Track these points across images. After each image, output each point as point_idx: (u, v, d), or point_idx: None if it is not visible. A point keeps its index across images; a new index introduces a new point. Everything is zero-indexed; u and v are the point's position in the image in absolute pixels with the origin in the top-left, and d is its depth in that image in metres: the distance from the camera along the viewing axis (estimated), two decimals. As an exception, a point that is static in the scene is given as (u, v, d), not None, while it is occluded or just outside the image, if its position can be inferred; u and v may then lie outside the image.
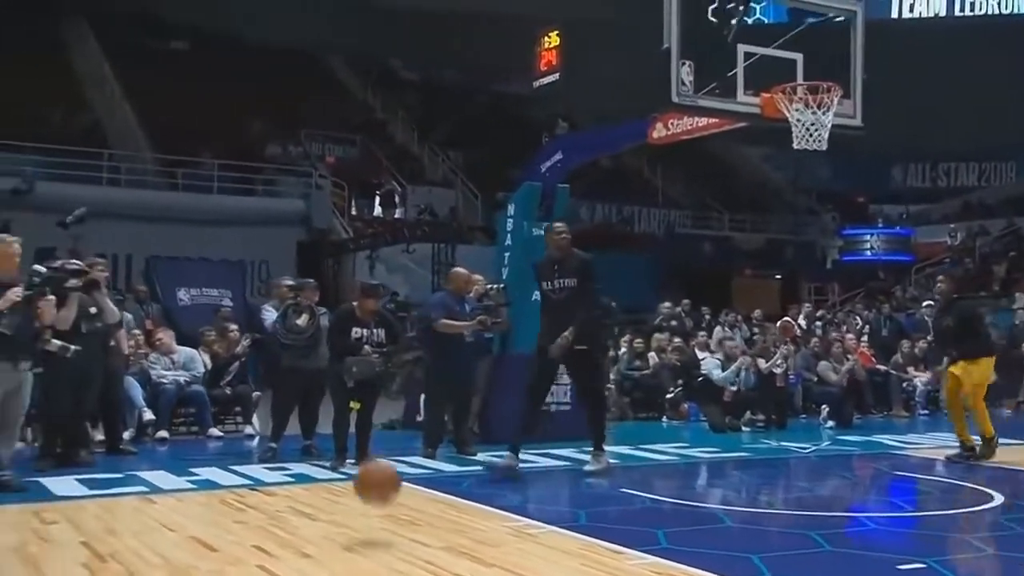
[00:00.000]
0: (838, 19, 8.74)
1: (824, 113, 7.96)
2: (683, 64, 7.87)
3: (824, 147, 8.06)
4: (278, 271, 19.10)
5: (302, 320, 8.92)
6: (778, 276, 27.54)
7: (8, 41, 22.95)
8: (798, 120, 7.98)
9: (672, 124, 9.19)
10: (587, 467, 7.83)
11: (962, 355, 8.61)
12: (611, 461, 8.07)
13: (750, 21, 9.05)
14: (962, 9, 25.57)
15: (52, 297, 7.14)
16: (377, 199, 25.51)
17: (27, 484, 6.94)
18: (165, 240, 18.64)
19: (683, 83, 7.87)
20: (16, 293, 6.62)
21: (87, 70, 25.42)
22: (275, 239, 20.79)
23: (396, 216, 25.18)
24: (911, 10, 25.46)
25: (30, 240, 15.65)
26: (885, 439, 10.92)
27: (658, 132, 9.41)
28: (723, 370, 11.73)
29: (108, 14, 26.83)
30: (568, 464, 8.58)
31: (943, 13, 25.49)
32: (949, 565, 4.93)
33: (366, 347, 8.18)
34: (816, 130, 7.94)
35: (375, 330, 8.27)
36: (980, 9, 25.25)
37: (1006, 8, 25.32)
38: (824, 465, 9.41)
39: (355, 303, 8.48)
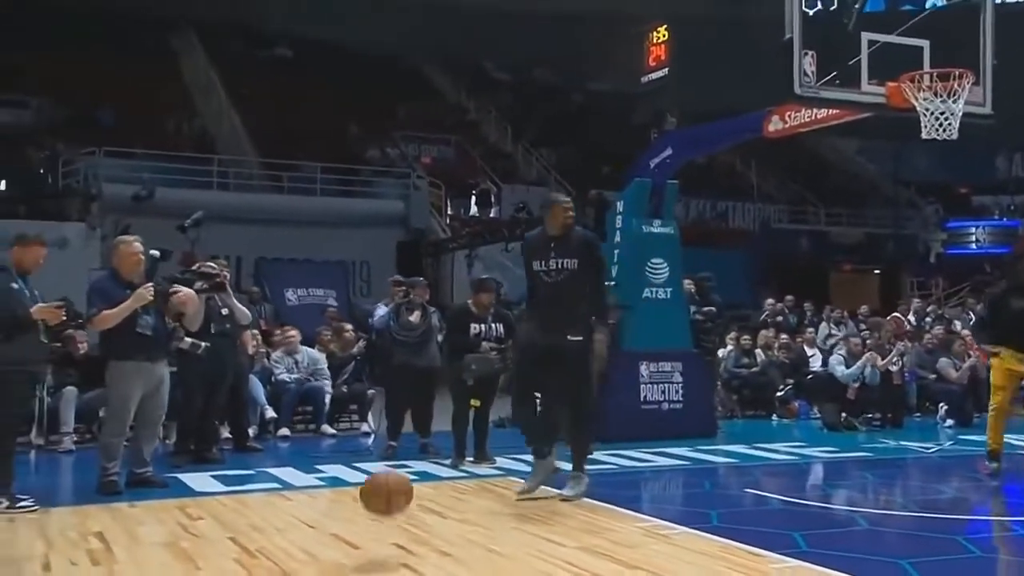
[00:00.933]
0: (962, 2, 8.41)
1: (954, 101, 7.63)
2: (805, 55, 7.63)
3: (955, 136, 7.72)
4: (379, 271, 19.32)
5: (414, 317, 8.94)
6: (877, 271, 26.78)
7: (125, 56, 23.66)
8: (927, 109, 7.67)
9: (790, 117, 8.92)
10: (565, 491, 6.41)
11: None
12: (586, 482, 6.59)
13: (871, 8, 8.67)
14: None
15: (189, 290, 7.27)
16: (473, 198, 25.53)
17: (167, 480, 7.08)
18: (271, 242, 18.93)
19: (805, 74, 7.63)
20: (148, 291, 6.72)
21: (196, 80, 26.01)
22: (375, 239, 20.93)
23: (492, 215, 25.17)
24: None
25: (149, 243, 16.14)
26: (1012, 439, 10.45)
27: (774, 125, 9.14)
28: (847, 367, 11.35)
29: (215, 25, 27.56)
30: (685, 463, 8.44)
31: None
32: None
33: (484, 343, 8.15)
34: (946, 119, 7.62)
35: (492, 325, 8.24)
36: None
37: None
38: (950, 465, 9.00)
39: (469, 300, 8.45)
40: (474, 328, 8.18)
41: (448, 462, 8.10)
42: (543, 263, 6.40)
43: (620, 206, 10.68)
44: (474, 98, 30.37)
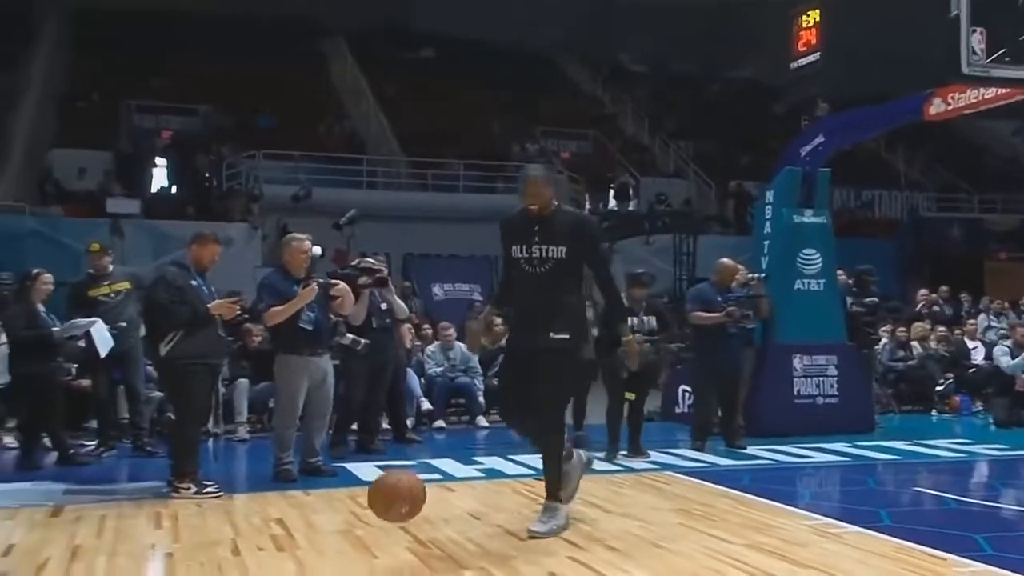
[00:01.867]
0: None
1: None
2: (973, 31, 7.22)
3: None
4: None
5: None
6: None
7: (280, 64, 24.47)
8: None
9: (953, 99, 8.51)
10: (534, 527, 5.10)
11: None
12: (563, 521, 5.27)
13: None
14: None
15: (344, 286, 7.43)
16: (611, 192, 25.33)
17: (335, 469, 7.26)
18: (418, 238, 19.21)
19: (974, 52, 7.22)
20: (314, 288, 6.88)
21: (344, 84, 26.65)
22: (516, 234, 20.99)
23: (630, 208, 24.94)
24: None
25: (306, 242, 16.61)
26: None
27: (936, 108, 8.73)
28: (1012, 358, 10.77)
29: (362, 31, 28.21)
30: (845, 460, 8.18)
31: None
32: None
33: (637, 336, 8.06)
34: None
35: (645, 318, 8.15)
36: None
37: None
38: None
39: (623, 293, 8.37)
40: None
41: (602, 455, 8.03)
42: (523, 249, 5.23)
43: (770, 196, 10.40)
44: (611, 91, 30.14)
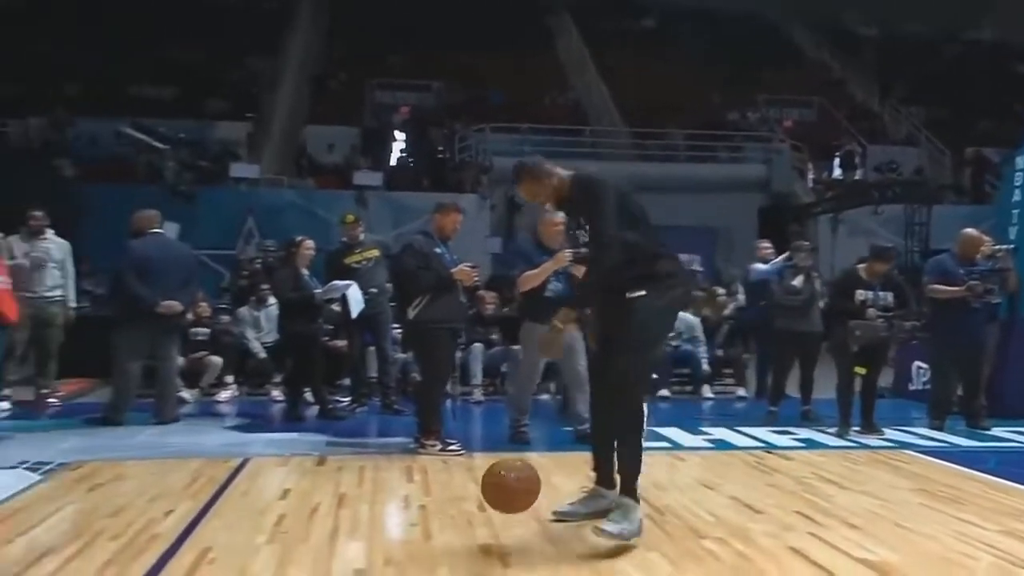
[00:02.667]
0: None
1: None
2: None
3: None
4: (741, 237, 18.88)
5: (797, 281, 8.67)
6: None
7: (508, 41, 24.92)
8: None
9: None
10: (606, 525, 4.20)
11: None
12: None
13: None
14: None
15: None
16: (836, 160, 24.27)
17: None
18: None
19: None
20: (566, 255, 6.85)
21: (569, 57, 26.79)
22: (737, 204, 20.51)
23: (857, 177, 23.81)
24: None
25: (532, 212, 16.85)
26: None
27: None
28: None
29: (587, 3, 28.21)
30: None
31: None
32: None
33: (870, 310, 7.72)
34: None
35: (880, 293, 7.78)
36: None
37: None
38: None
39: (860, 265, 8.02)
40: (860, 295, 7.78)
41: (833, 431, 7.79)
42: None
43: (1020, 162, 9.65)
44: (838, 57, 28.79)
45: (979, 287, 8.10)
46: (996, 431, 7.93)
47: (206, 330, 9.85)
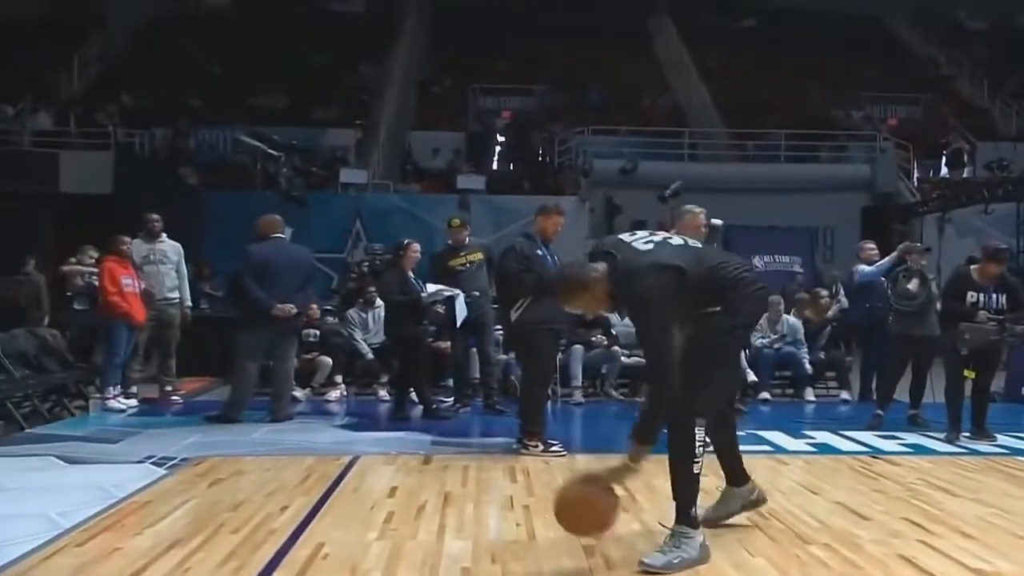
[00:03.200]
0: None
1: None
2: None
3: None
4: (843, 238, 18.44)
5: (912, 285, 8.40)
6: None
7: (608, 43, 24.84)
8: None
9: None
10: (647, 558, 3.88)
11: None
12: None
13: None
14: None
15: None
16: (943, 159, 23.45)
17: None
18: (738, 210, 18.68)
19: None
20: None
21: (668, 57, 26.55)
22: (840, 205, 20.06)
23: (964, 175, 22.96)
24: None
25: (634, 213, 16.71)
26: None
27: None
28: None
29: (687, 4, 27.94)
30: None
31: None
32: None
33: (981, 313, 7.45)
34: None
35: (994, 295, 7.49)
36: None
37: None
38: None
39: (972, 267, 7.73)
40: (971, 296, 7.52)
41: (942, 436, 7.53)
42: None
43: None
44: (946, 51, 27.80)
45: None
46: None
47: (316, 331, 10.06)
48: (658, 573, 3.81)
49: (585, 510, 3.95)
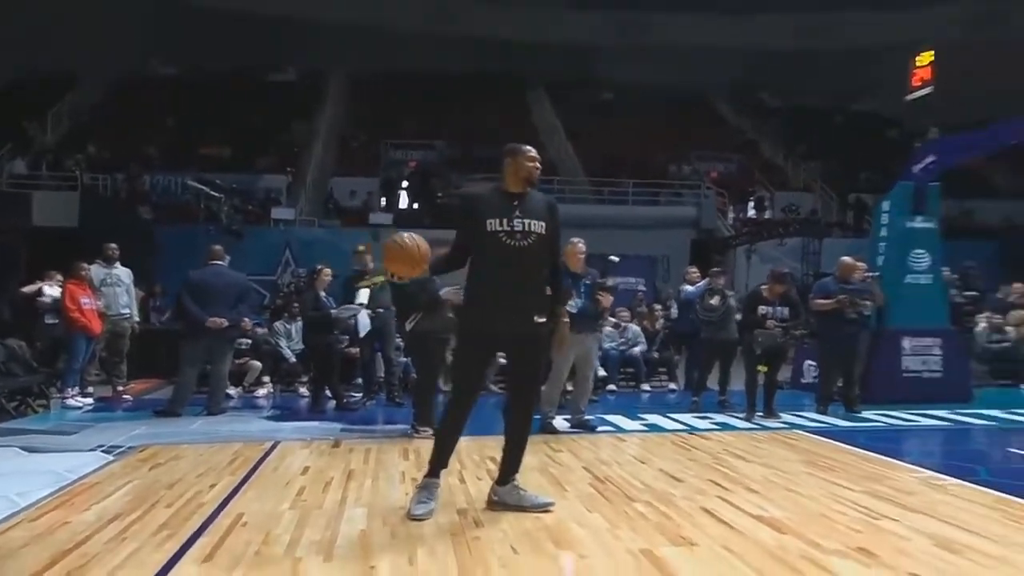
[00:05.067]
0: None
1: None
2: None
3: None
4: (676, 264, 18.88)
5: (714, 300, 8.69)
6: None
7: (494, 110, 25.08)
8: None
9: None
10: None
11: None
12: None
13: None
14: None
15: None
16: (751, 203, 24.39)
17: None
18: (597, 242, 18.90)
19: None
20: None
21: (543, 122, 26.89)
22: (673, 238, 20.52)
23: (766, 216, 23.92)
24: None
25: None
26: None
27: (1034, 133, 7.92)
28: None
29: (559, 82, 28.51)
30: (947, 424, 7.62)
31: None
32: None
33: (769, 322, 7.78)
34: None
35: (778, 308, 7.83)
36: None
37: None
38: None
39: (763, 286, 8.07)
40: (762, 309, 7.84)
41: (742, 416, 7.82)
42: (504, 223, 3.94)
43: (886, 206, 9.75)
44: (752, 122, 29.00)
45: (846, 300, 8.13)
46: (866, 414, 8.01)
47: (248, 340, 9.80)
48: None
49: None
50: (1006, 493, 4.64)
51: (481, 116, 24.94)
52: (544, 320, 4.07)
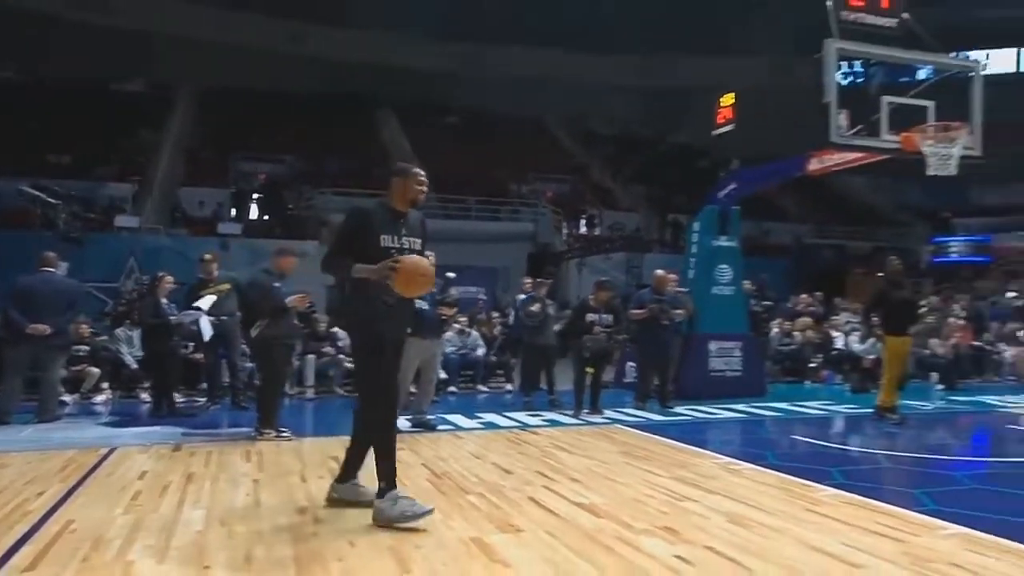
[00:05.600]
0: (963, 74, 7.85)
1: (953, 146, 7.14)
2: (839, 112, 7.29)
3: (954, 172, 7.23)
4: (515, 274, 19.25)
5: (535, 308, 8.87)
6: (881, 274, 25.01)
7: (344, 127, 24.55)
8: (931, 152, 7.20)
9: (825, 159, 8.50)
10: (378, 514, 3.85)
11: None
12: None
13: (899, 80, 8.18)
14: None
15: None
16: (583, 221, 25.29)
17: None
18: (443, 254, 18.92)
19: (839, 127, 7.28)
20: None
21: (391, 141, 26.63)
22: (513, 251, 20.93)
23: (596, 233, 24.89)
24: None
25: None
26: (988, 399, 9.76)
27: (814, 165, 8.73)
28: (862, 344, 10.81)
29: (407, 104, 28.33)
30: (744, 416, 8.18)
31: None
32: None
33: (596, 328, 8.06)
34: (947, 160, 7.13)
35: (604, 315, 8.13)
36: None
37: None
38: (947, 419, 8.47)
39: (591, 295, 8.36)
40: (589, 317, 8.09)
41: (570, 413, 8.04)
42: (394, 239, 3.91)
43: (696, 226, 10.39)
44: (584, 147, 30.13)
45: (656, 308, 8.48)
46: (679, 409, 8.44)
47: (86, 346, 9.03)
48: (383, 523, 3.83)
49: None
50: (788, 474, 5.05)
51: (331, 134, 24.37)
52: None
